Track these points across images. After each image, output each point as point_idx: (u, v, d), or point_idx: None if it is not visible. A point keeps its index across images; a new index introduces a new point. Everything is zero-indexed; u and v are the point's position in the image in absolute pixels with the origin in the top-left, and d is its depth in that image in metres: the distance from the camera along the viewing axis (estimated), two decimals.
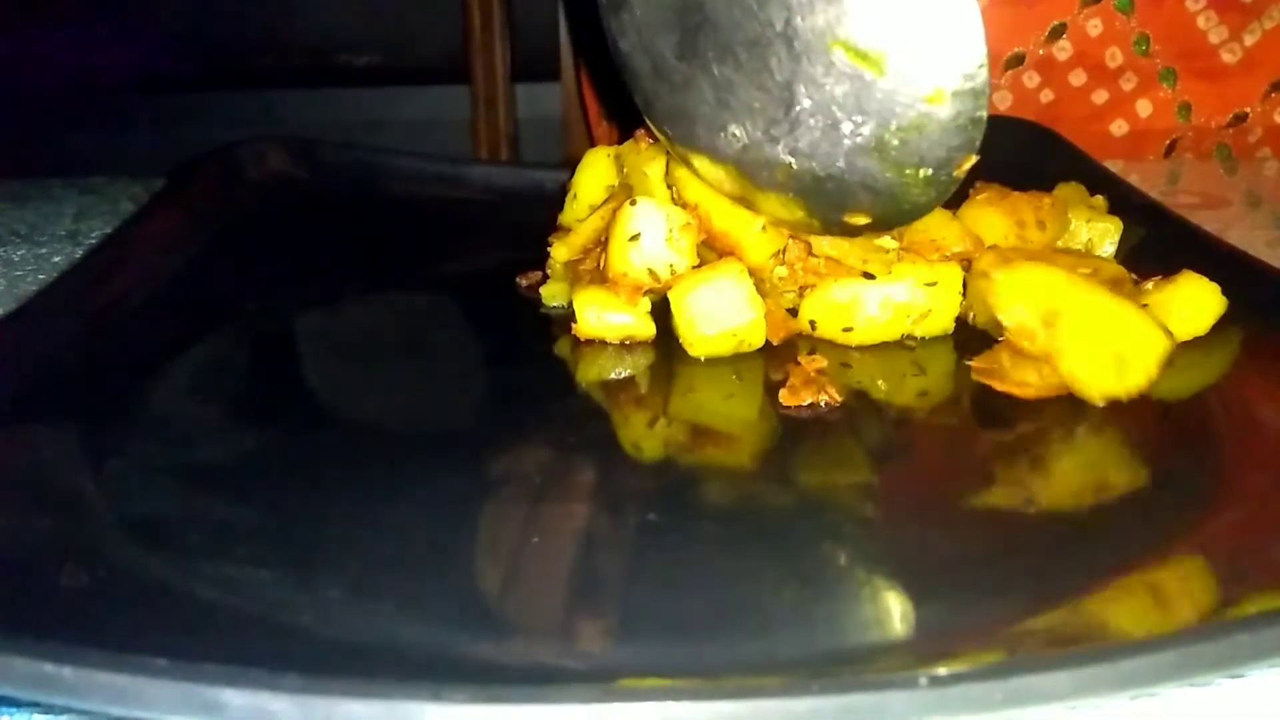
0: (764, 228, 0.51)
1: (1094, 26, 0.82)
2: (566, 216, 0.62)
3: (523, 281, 0.61)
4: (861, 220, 0.50)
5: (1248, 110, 0.85)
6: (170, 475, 0.42)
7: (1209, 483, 0.42)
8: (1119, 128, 0.86)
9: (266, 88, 2.03)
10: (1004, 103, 0.86)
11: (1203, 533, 0.38)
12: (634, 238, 0.52)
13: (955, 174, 0.48)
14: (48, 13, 1.87)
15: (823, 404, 0.48)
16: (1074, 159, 0.70)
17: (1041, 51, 0.83)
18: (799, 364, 0.49)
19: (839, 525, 0.41)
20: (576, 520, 0.42)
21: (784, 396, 0.48)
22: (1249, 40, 0.83)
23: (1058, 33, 0.82)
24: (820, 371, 0.49)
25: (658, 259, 0.52)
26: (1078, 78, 0.85)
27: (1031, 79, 0.85)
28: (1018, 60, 0.83)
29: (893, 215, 0.50)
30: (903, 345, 0.53)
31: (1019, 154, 0.72)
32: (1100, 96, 0.85)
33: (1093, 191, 0.63)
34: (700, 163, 0.53)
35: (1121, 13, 0.82)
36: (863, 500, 0.43)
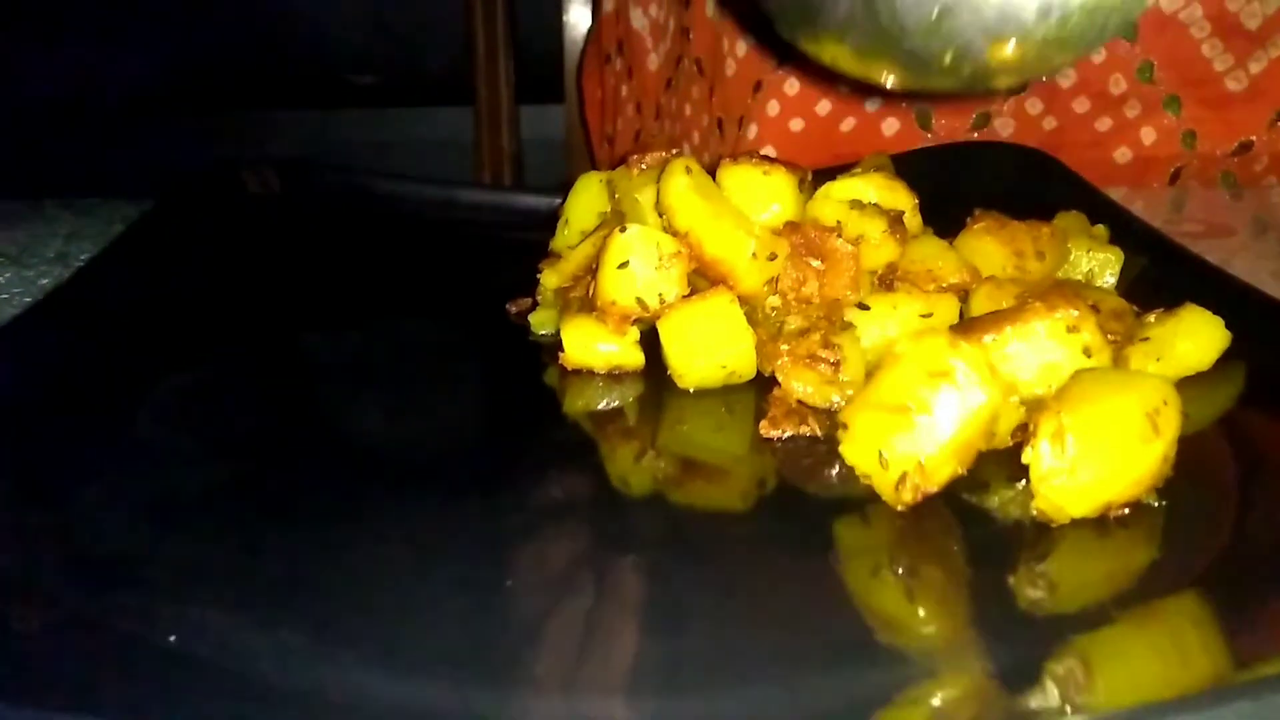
0: (754, 254, 0.50)
1: (1098, 53, 0.81)
2: (558, 242, 0.61)
3: (512, 308, 0.60)
4: (1005, 53, 0.47)
5: (1253, 138, 0.83)
6: (138, 510, 0.41)
7: (1214, 527, 0.40)
8: (1123, 155, 0.85)
9: (270, 108, 2.03)
10: (1006, 129, 0.85)
11: (1207, 584, 0.36)
12: (623, 265, 0.50)
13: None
14: (47, 32, 1.87)
15: (805, 436, 0.46)
16: (1075, 186, 0.69)
17: (1044, 79, 0.82)
18: (777, 395, 0.48)
19: (827, 564, 0.40)
20: (558, 561, 0.40)
21: (764, 427, 0.46)
22: (1254, 68, 0.82)
23: None
24: (801, 402, 0.48)
25: (647, 287, 0.50)
26: (1081, 105, 0.84)
27: (1034, 106, 0.84)
28: (1018, 86, 0.83)
29: (1049, 53, 0.48)
30: None
31: (1018, 181, 0.71)
32: (1104, 124, 0.84)
33: (1094, 220, 0.61)
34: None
35: (1125, 39, 0.81)
36: (853, 539, 0.41)
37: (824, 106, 0.86)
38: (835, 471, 0.46)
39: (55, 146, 1.82)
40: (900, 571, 0.39)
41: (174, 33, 1.96)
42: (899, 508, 0.40)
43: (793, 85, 0.85)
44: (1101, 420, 0.38)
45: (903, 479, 0.39)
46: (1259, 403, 0.49)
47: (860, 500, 0.43)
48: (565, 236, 0.60)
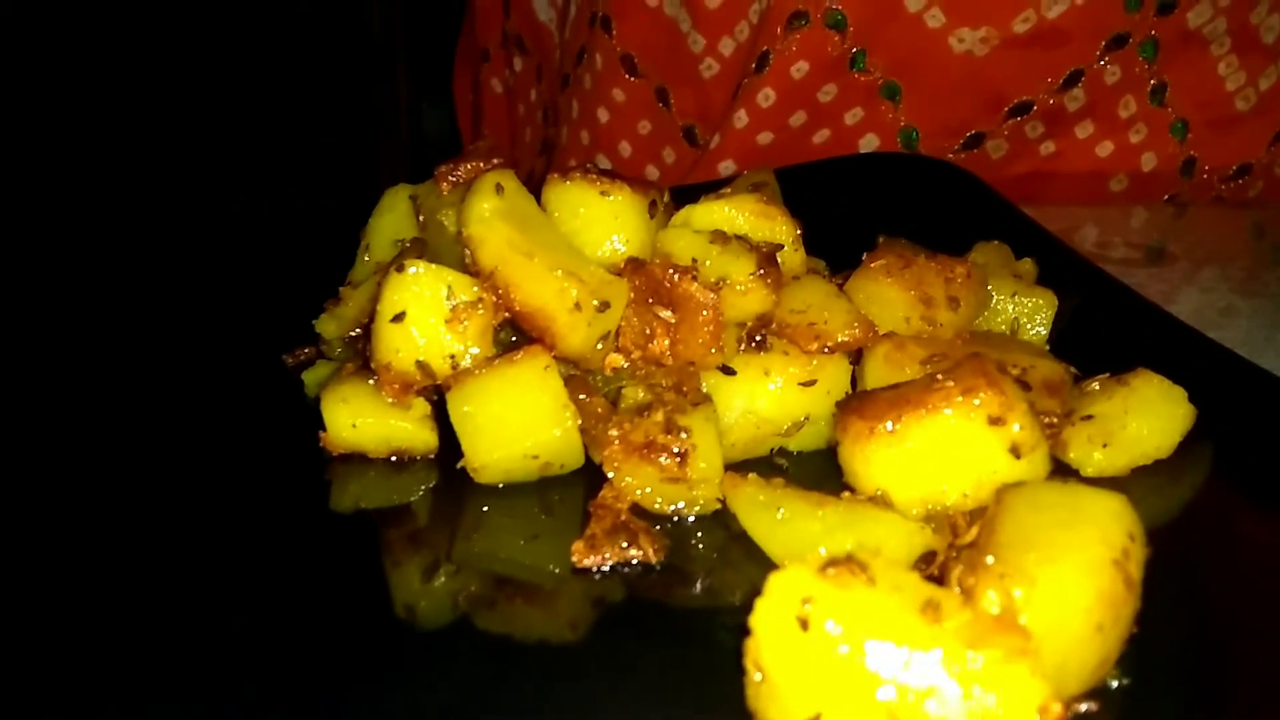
0: (578, 305, 0.36)
1: (1112, 74, 0.72)
2: (357, 273, 0.46)
3: (289, 360, 0.45)
4: None
5: (1252, 162, 0.75)
6: None
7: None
8: (1119, 183, 0.76)
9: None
10: (999, 152, 0.74)
11: None
12: (399, 318, 0.36)
13: None
14: None
15: (633, 563, 0.32)
16: (995, 207, 0.56)
17: (1052, 101, 0.73)
18: (602, 499, 0.34)
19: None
20: None
21: (577, 553, 0.33)
22: (1264, 85, 0.74)
23: (1073, 80, 0.72)
24: (638, 509, 0.34)
25: (432, 347, 0.36)
26: (1085, 129, 0.74)
27: (1035, 129, 0.74)
28: (1024, 109, 0.73)
29: None
30: (772, 463, 0.38)
31: (932, 201, 0.57)
32: (1105, 149, 0.75)
33: (1019, 251, 0.48)
34: None
35: (1144, 59, 0.72)
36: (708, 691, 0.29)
37: (799, 118, 0.74)
38: (696, 589, 0.33)
39: None
40: None
41: None
42: None
43: (768, 96, 0.73)
44: (1065, 586, 0.24)
45: None
46: (1232, 503, 0.36)
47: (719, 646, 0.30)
48: (364, 267, 0.45)
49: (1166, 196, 0.76)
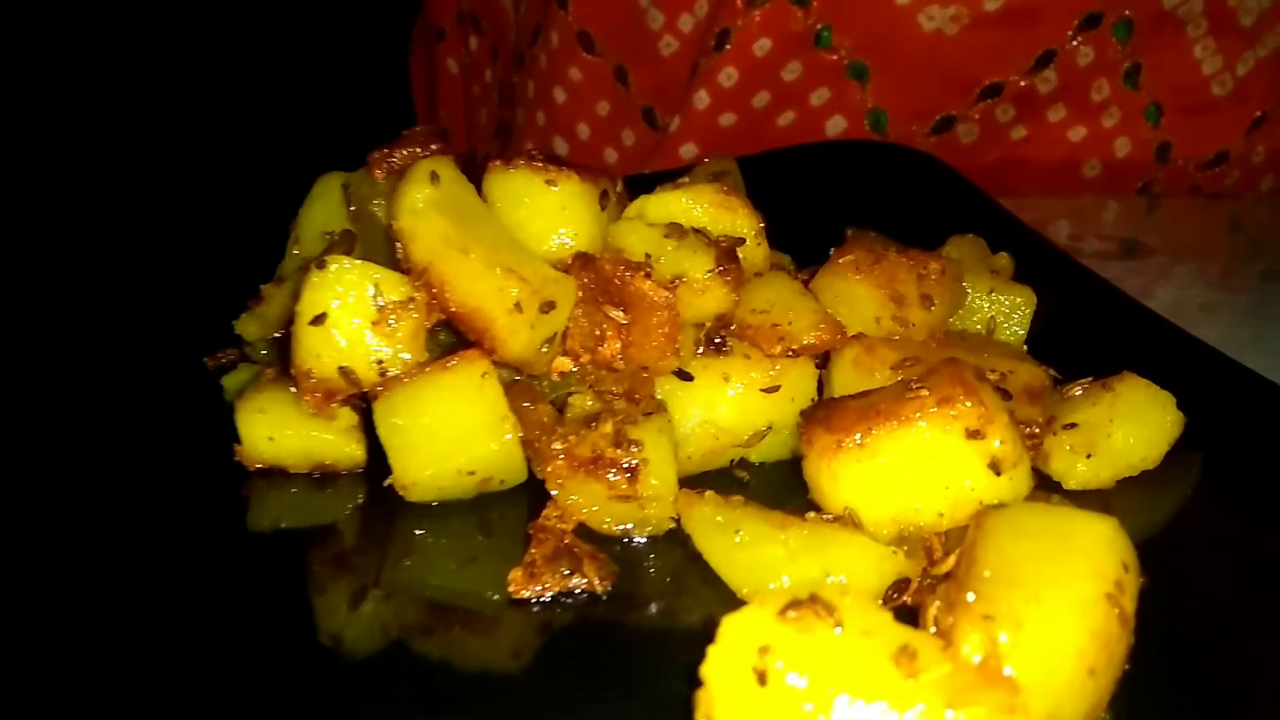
0: (519, 305, 0.32)
1: (1084, 55, 0.70)
2: (285, 268, 0.42)
3: (210, 363, 0.42)
4: None
5: (1229, 149, 0.74)
6: None
7: None
8: (1092, 168, 0.74)
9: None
10: (970, 136, 0.72)
11: None
12: (319, 320, 0.32)
13: None
14: None
15: (577, 592, 0.29)
16: (969, 198, 0.54)
17: (1023, 83, 0.71)
18: (544, 520, 0.31)
19: None
20: None
21: (514, 582, 0.30)
22: (1241, 70, 0.72)
23: (1045, 61, 0.70)
24: (582, 530, 0.31)
25: (356, 352, 0.33)
26: (1056, 113, 0.72)
27: (1006, 112, 0.72)
28: (994, 90, 0.71)
29: None
30: (732, 476, 0.35)
31: (903, 191, 0.55)
32: (1077, 133, 0.73)
33: (994, 245, 0.45)
34: None
35: (1118, 41, 0.70)
36: None
37: (763, 98, 0.71)
38: (646, 620, 0.31)
39: None
40: None
41: None
42: None
43: (730, 75, 0.70)
44: (1055, 628, 0.22)
45: None
46: (1220, 514, 0.34)
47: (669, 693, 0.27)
48: (292, 261, 0.42)
49: (1141, 184, 0.74)
